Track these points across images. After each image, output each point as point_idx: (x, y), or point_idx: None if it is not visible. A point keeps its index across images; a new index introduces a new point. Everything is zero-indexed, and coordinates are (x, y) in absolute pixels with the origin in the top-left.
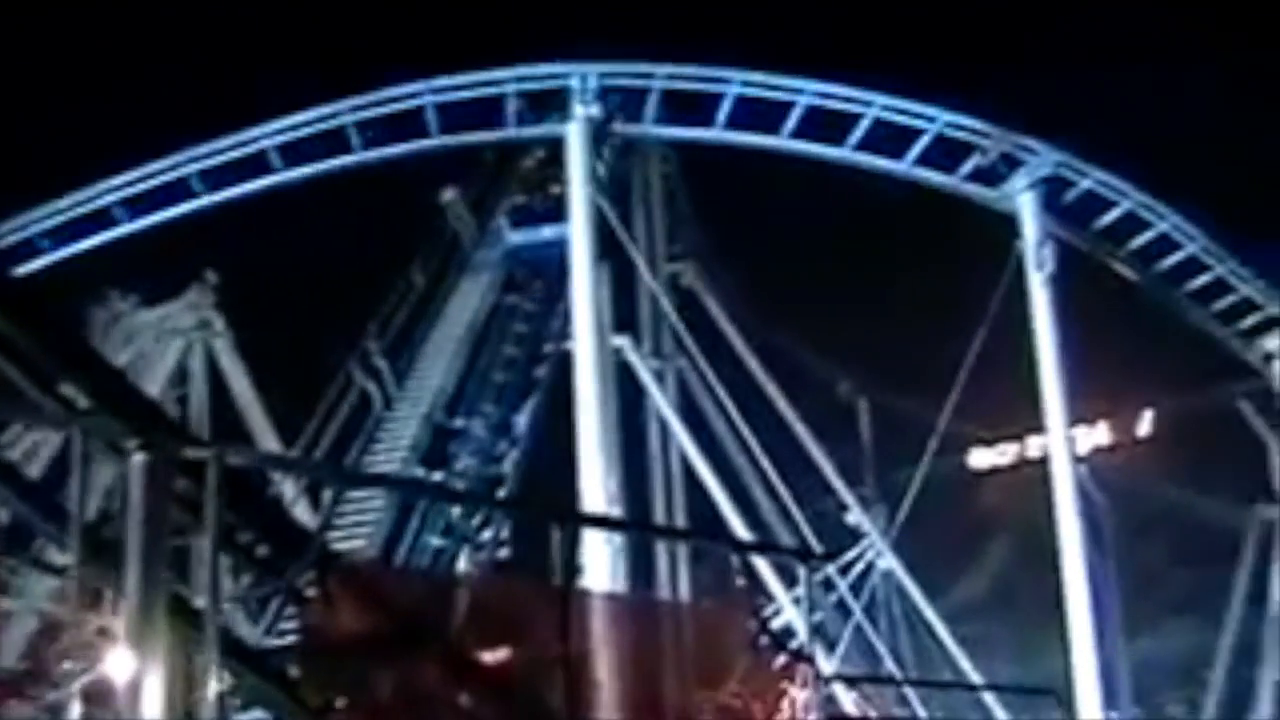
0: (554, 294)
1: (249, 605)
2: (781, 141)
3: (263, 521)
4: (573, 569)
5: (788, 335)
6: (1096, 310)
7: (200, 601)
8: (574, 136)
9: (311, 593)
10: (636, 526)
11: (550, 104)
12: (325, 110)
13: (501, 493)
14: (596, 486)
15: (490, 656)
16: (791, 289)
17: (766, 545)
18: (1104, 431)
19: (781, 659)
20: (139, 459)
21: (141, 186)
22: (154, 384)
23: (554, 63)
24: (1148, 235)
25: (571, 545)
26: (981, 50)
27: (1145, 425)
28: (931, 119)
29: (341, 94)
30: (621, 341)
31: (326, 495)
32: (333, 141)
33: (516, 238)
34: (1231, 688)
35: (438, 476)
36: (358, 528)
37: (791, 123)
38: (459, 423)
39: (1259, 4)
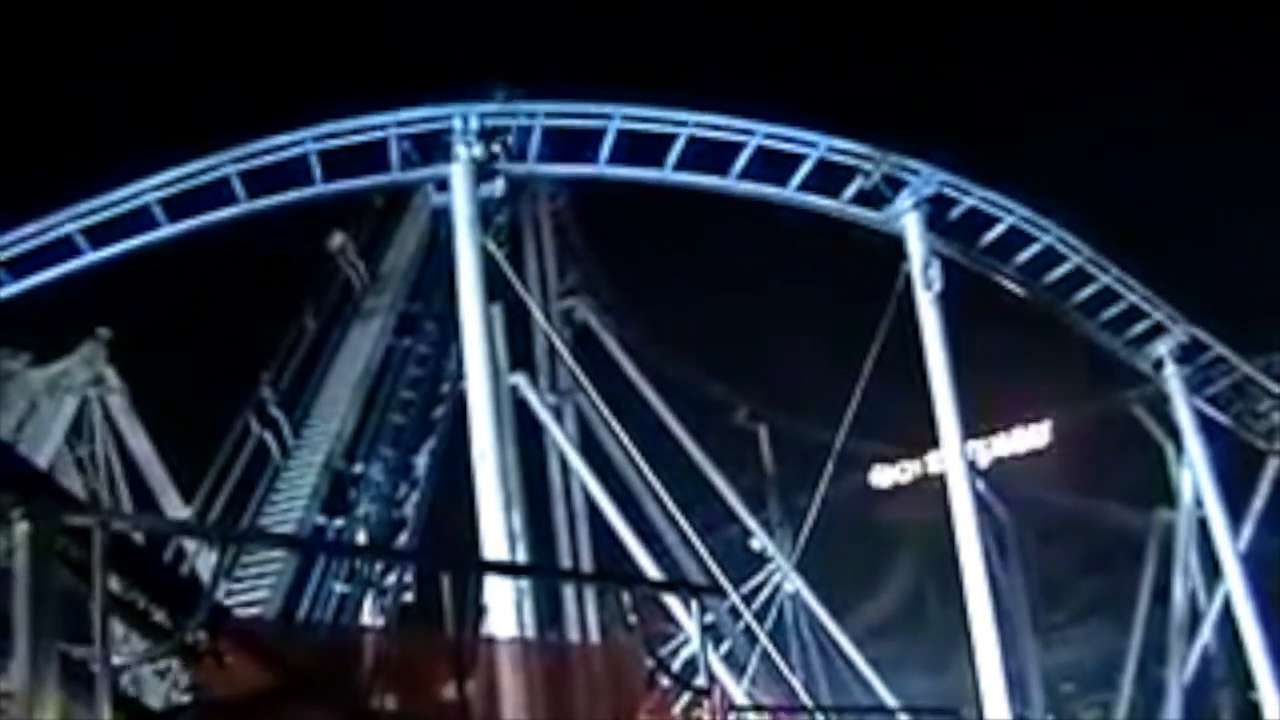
0: (447, 335)
1: (155, 664)
2: (665, 174)
3: (155, 582)
4: (474, 614)
5: (684, 365)
6: (988, 324)
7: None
8: (457, 178)
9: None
10: (523, 571)
11: (434, 148)
12: (208, 162)
13: (403, 536)
14: (497, 525)
15: (391, 707)
16: (686, 319)
17: (655, 582)
18: (1002, 443)
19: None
20: (23, 528)
21: (23, 246)
22: (49, 443)
23: (435, 105)
24: (1033, 249)
25: (472, 590)
26: (860, 73)
27: (1043, 435)
28: (813, 144)
29: (223, 145)
30: (518, 379)
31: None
32: (217, 193)
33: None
34: (1142, 690)
35: (339, 523)
36: (260, 579)
37: (675, 154)
38: (358, 468)
39: (1133, 10)
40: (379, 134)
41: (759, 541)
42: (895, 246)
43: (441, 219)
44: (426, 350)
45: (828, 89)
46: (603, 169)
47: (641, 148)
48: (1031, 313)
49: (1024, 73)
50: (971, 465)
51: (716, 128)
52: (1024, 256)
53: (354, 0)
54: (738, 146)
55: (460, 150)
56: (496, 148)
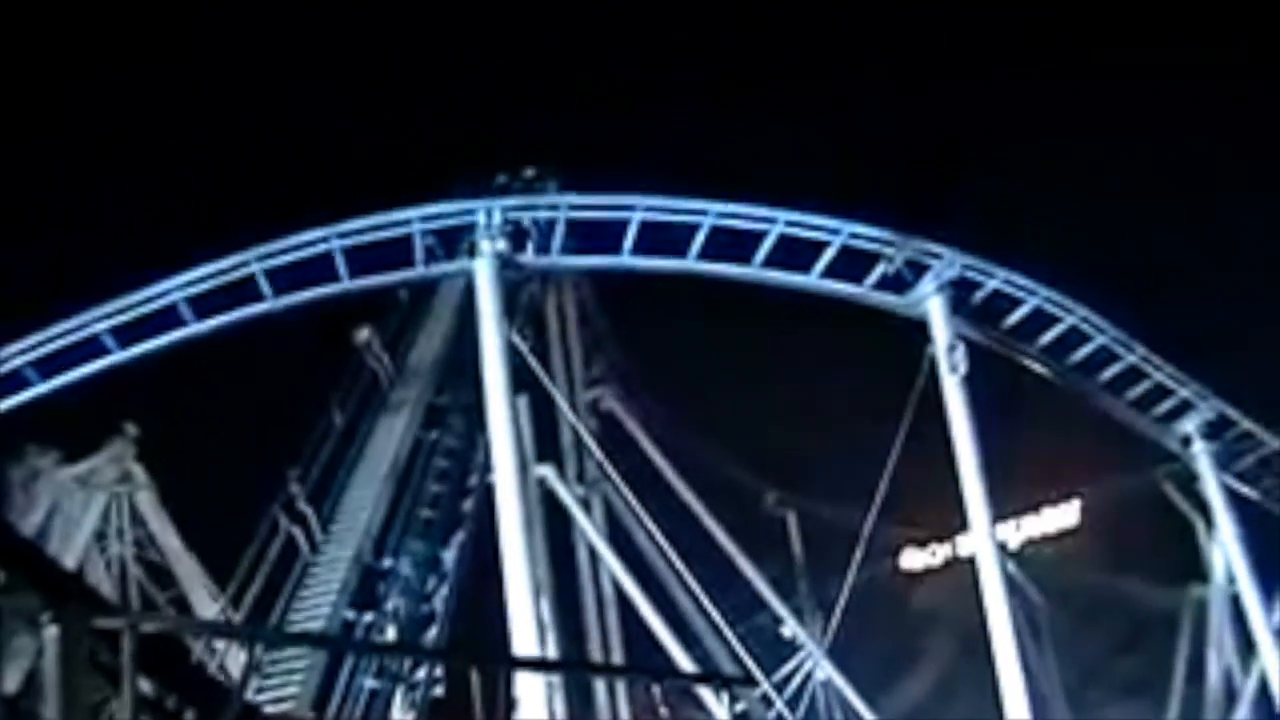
0: (474, 427)
1: None
2: (689, 264)
3: (185, 683)
4: (504, 708)
5: (711, 451)
6: (1014, 405)
7: None
8: (482, 272)
9: None
10: (552, 667)
11: (458, 241)
12: (233, 260)
13: (433, 630)
14: (527, 617)
15: None
16: (711, 405)
17: (686, 674)
18: (1032, 523)
19: None
20: (52, 631)
21: (51, 346)
22: (79, 540)
23: (458, 200)
24: (1057, 330)
25: (502, 684)
26: (882, 160)
27: (1072, 514)
28: (835, 231)
29: (249, 243)
30: (545, 471)
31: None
32: (243, 290)
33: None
34: None
35: (368, 618)
36: (290, 675)
37: (698, 244)
38: (387, 562)
39: (1149, 91)
40: (403, 230)
41: (789, 628)
42: (920, 330)
43: (467, 313)
44: (454, 443)
45: (848, 172)
46: (626, 259)
47: (664, 238)
48: (1058, 391)
49: (1043, 146)
50: (1002, 547)
51: (738, 217)
52: (1049, 337)
53: (375, 95)
54: (760, 235)
55: (484, 245)
56: (520, 241)
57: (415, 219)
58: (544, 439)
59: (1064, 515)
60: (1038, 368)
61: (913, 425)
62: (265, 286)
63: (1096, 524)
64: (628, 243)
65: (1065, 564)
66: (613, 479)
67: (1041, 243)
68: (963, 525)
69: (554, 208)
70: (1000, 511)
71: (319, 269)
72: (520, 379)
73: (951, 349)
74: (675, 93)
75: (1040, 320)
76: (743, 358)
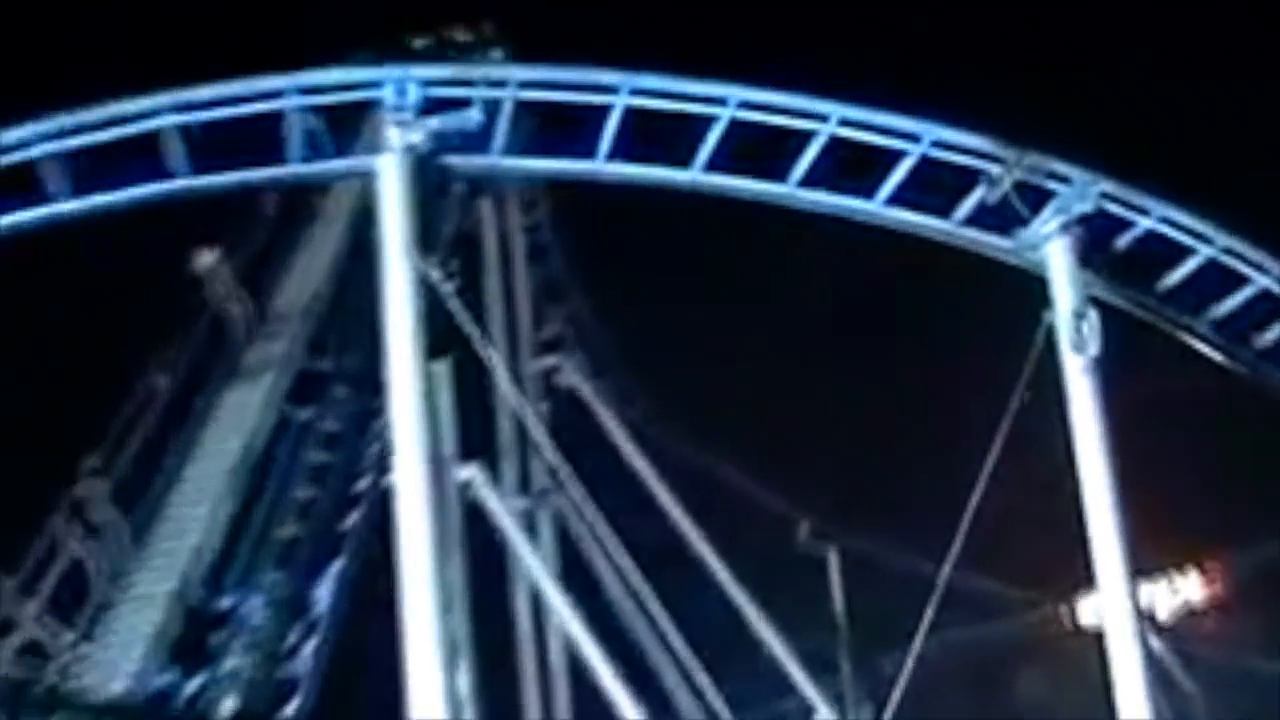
0: (367, 405)
1: None
2: (694, 176)
3: None
4: None
5: (716, 457)
6: (1170, 407)
7: None
8: (388, 174)
9: None
10: None
11: (354, 128)
12: (12, 136)
13: (293, 705)
14: (433, 688)
15: None
16: (720, 391)
17: None
18: (1185, 586)
19: None
20: None
21: None
22: None
23: (356, 65)
24: (1241, 295)
25: None
26: (977, 40)
27: (1238, 574)
28: (914, 137)
29: (34, 114)
30: (470, 472)
31: None
32: (20, 185)
33: None
34: None
35: (195, 684)
36: None
37: (707, 148)
38: (226, 602)
39: None
40: (271, 105)
41: None
42: (1033, 287)
43: (363, 236)
44: (336, 427)
45: (934, 63)
46: (602, 167)
47: (660, 137)
48: (1238, 387)
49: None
50: (1145, 616)
51: (769, 109)
52: (1227, 306)
53: None
54: (802, 138)
55: (393, 134)
56: (447, 130)
57: (290, 90)
58: (471, 426)
59: (1225, 576)
60: (1206, 350)
61: (1015, 429)
62: (55, 180)
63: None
64: (605, 142)
65: (1225, 640)
66: (570, 490)
67: (1215, 167)
68: (1087, 581)
69: (498, 84)
70: (1144, 566)
71: (141, 159)
72: (439, 340)
73: (1079, 317)
74: None
75: (1213, 280)
76: (768, 322)
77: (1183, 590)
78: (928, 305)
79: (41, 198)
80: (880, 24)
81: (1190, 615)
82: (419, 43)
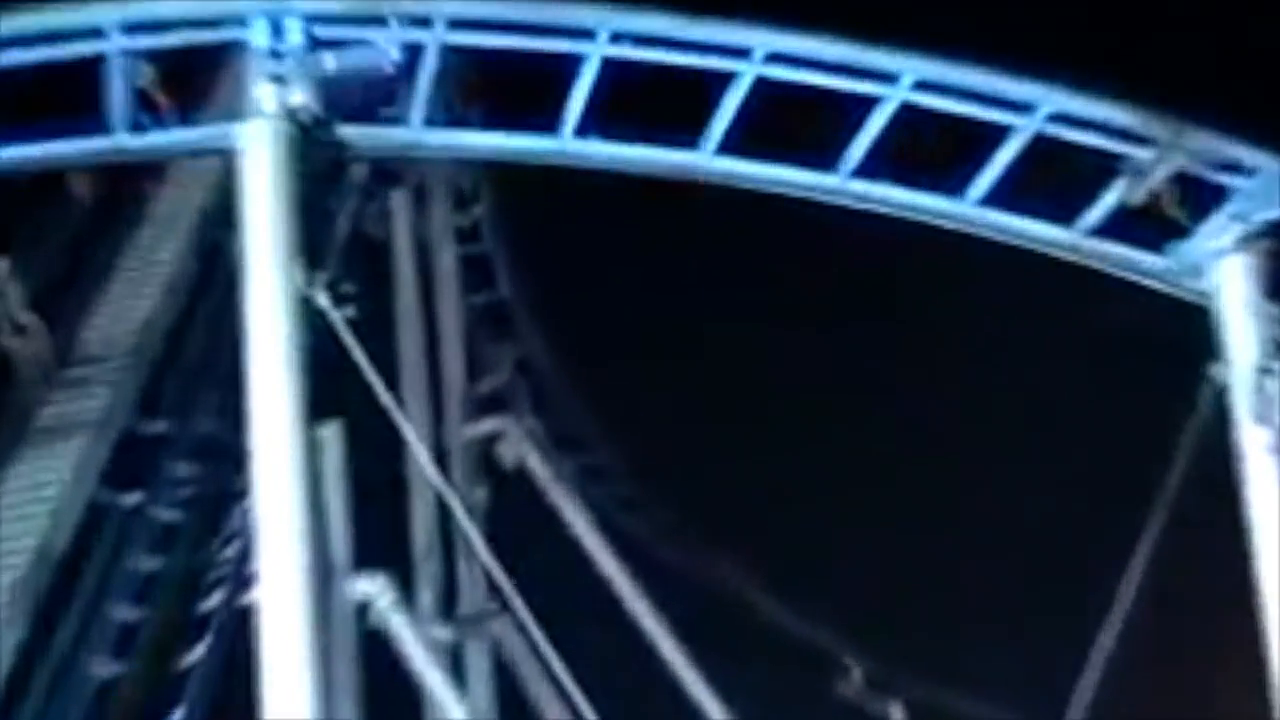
0: (224, 490)
1: None
2: (701, 158)
3: None
4: None
5: (728, 566)
6: None
7: None
8: (255, 151)
9: None
10: None
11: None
12: None
13: None
14: None
15: None
16: (734, 475)
17: None
18: None
19: None
20: None
21: None
22: None
23: None
24: None
25: None
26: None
27: None
28: (1024, 108)
29: None
30: (372, 589)
31: None
32: None
33: None
34: None
35: None
36: None
37: (722, 121)
38: None
39: None
40: (87, 47)
41: None
42: (1193, 322)
43: (217, 238)
44: (175, 518)
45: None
46: (567, 144)
47: (649, 101)
48: None
49: None
50: None
51: (815, 66)
52: None
53: None
54: (860, 107)
55: (264, 94)
56: (345, 80)
57: (111, 27)
58: (373, 523)
59: None
60: None
61: (1170, 532)
62: None
63: None
64: (572, 111)
65: None
66: (517, 613)
67: None
68: None
69: (419, 22)
70: None
71: None
72: (328, 389)
73: (1264, 373)
74: None
75: None
76: (803, 375)
77: None
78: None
79: None
80: None
81: None
82: None
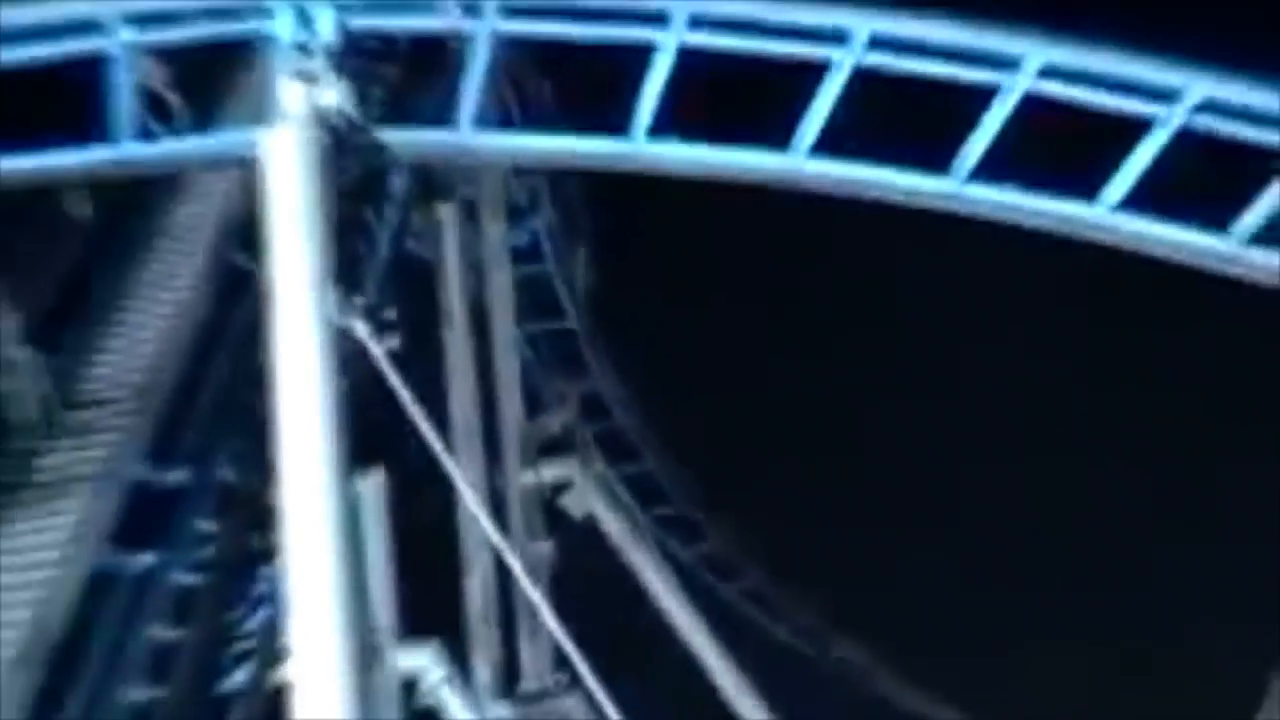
0: (249, 550)
1: None
2: (794, 160)
3: None
4: None
5: (827, 633)
6: None
7: None
8: (280, 159)
9: None
10: None
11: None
12: None
13: None
14: None
15: None
16: (829, 517)
17: None
18: None
19: None
20: None
21: None
22: None
23: None
24: None
25: None
26: None
27: None
28: (1169, 96)
29: None
30: (420, 662)
31: None
32: None
33: None
34: None
35: None
36: None
37: (818, 116)
38: None
39: None
40: (87, 45)
41: None
42: None
43: (240, 260)
44: (193, 581)
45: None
46: (640, 147)
47: (737, 100)
48: None
49: None
50: None
51: (923, 51)
52: None
53: None
54: (978, 100)
55: (292, 94)
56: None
57: (113, 19)
58: (422, 587)
59: None
60: None
61: None
62: None
63: None
64: (645, 109)
65: None
66: (589, 688)
67: None
68: None
69: (467, 9)
70: None
71: None
72: (368, 432)
73: None
74: None
75: None
76: (912, 413)
77: None
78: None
79: None
80: None
81: None
82: None
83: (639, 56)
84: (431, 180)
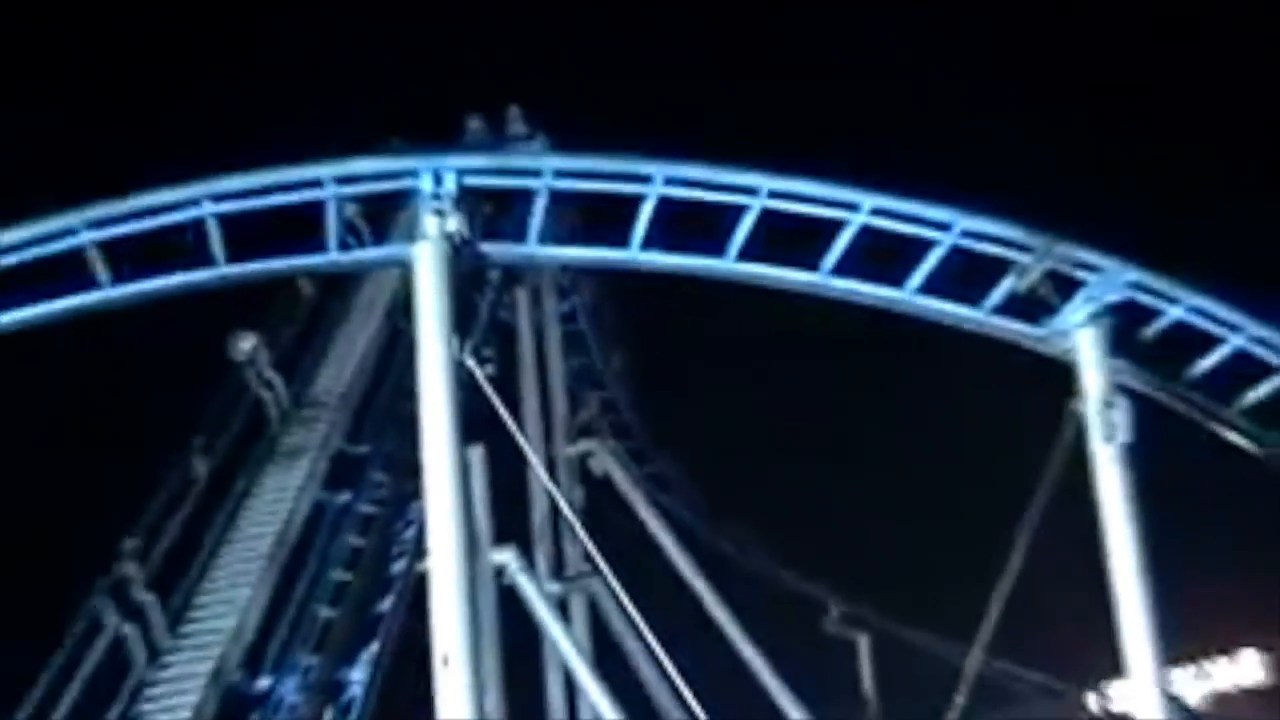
0: (404, 490)
1: None
2: (727, 264)
3: None
4: None
5: (750, 541)
6: (1199, 495)
7: None
8: (424, 261)
9: None
10: None
11: (392, 217)
12: (54, 226)
13: None
14: None
15: None
16: (751, 475)
17: None
18: (1219, 672)
19: None
20: None
21: None
22: None
23: (393, 155)
24: (1271, 384)
25: None
26: (1006, 132)
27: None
28: (944, 226)
29: (77, 201)
30: (505, 557)
31: None
32: (67, 272)
33: None
34: None
35: None
36: None
37: (740, 236)
38: (264, 682)
39: None
40: (310, 195)
41: None
42: (1061, 376)
43: (399, 322)
44: (372, 511)
45: (963, 151)
46: (636, 255)
47: (692, 225)
48: (1267, 479)
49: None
50: (1174, 701)
51: (802, 199)
52: (1258, 393)
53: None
54: (834, 227)
55: (429, 223)
56: (484, 221)
57: (328, 179)
58: (505, 512)
59: (1264, 665)
60: (1239, 440)
61: (1045, 517)
62: (100, 267)
63: None
64: (639, 230)
65: None
66: (604, 575)
67: (1242, 255)
68: (1115, 668)
69: (533, 173)
70: (1174, 652)
71: (182, 248)
72: (474, 423)
73: (1108, 406)
74: (710, 28)
75: (1245, 368)
76: (799, 409)
77: (1225, 677)
78: (958, 392)
79: (85, 285)
80: (911, 115)
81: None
82: (472, 123)
83: (635, 200)
84: (513, 273)
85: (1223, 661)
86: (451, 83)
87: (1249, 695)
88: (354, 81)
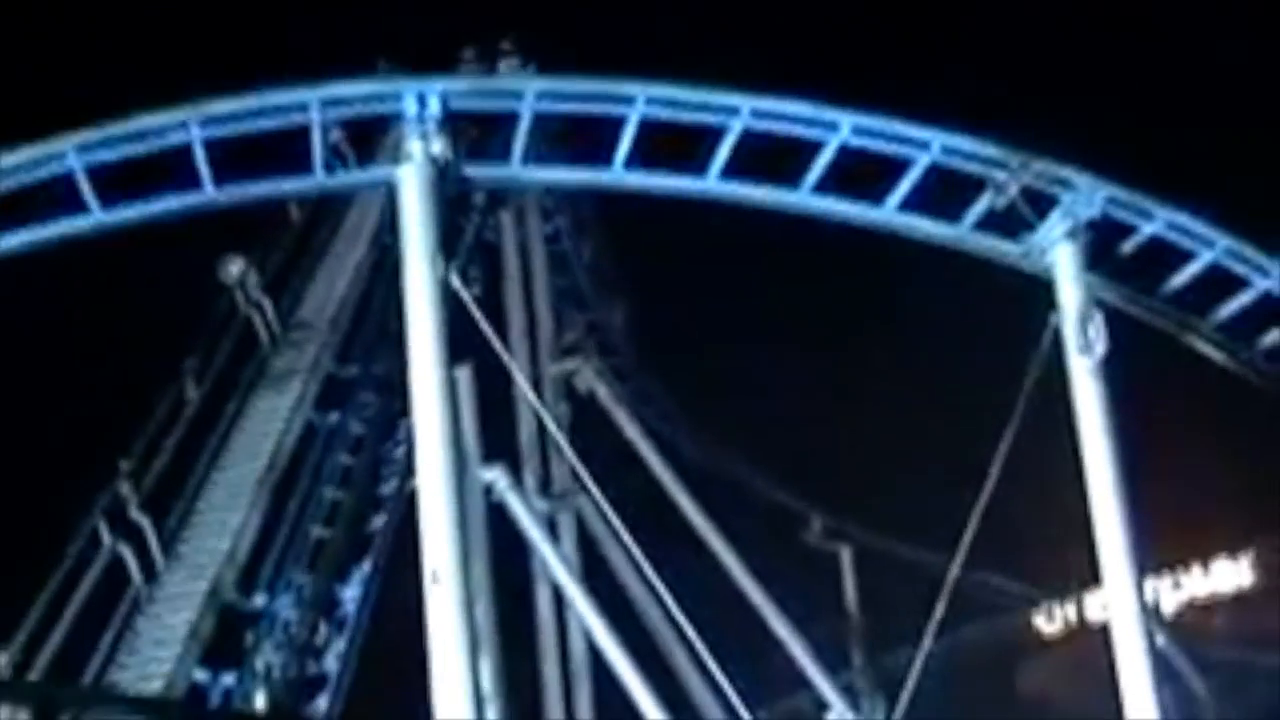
0: (393, 410)
1: None
2: (707, 184)
3: None
4: None
5: (732, 457)
6: (1175, 408)
7: None
8: (408, 184)
9: None
10: None
11: (377, 140)
12: (41, 151)
13: (322, 700)
14: (458, 684)
15: None
16: (737, 392)
17: None
18: (1194, 582)
19: None
20: None
21: None
22: None
23: (378, 78)
24: (1245, 297)
25: None
26: (985, 49)
27: (1247, 570)
28: (922, 144)
29: (65, 127)
30: (493, 475)
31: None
32: (57, 198)
33: None
34: None
35: (227, 680)
36: None
37: (722, 157)
38: (258, 601)
39: None
40: (296, 118)
41: (837, 715)
42: (1039, 291)
43: (386, 244)
44: (362, 431)
45: (940, 71)
46: (619, 176)
47: (674, 147)
48: (1242, 389)
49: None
50: (1150, 610)
51: (782, 118)
52: (1231, 307)
53: None
54: (814, 146)
55: (414, 146)
56: (469, 144)
57: (314, 102)
58: (493, 430)
59: (1236, 571)
60: (1213, 353)
61: (1023, 430)
62: (87, 193)
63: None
64: (621, 151)
65: (1235, 637)
66: (590, 491)
67: (1217, 171)
68: (1094, 578)
69: (516, 95)
70: (1150, 562)
71: (170, 171)
72: (462, 343)
73: (1084, 320)
74: None
75: (1219, 282)
76: (780, 325)
77: (1197, 586)
78: (937, 308)
79: (73, 209)
80: (889, 32)
81: (1208, 609)
82: (466, 53)
83: (617, 121)
84: (498, 196)
85: (1220, 565)
86: (449, 17)
87: (1225, 604)
88: (349, 16)
